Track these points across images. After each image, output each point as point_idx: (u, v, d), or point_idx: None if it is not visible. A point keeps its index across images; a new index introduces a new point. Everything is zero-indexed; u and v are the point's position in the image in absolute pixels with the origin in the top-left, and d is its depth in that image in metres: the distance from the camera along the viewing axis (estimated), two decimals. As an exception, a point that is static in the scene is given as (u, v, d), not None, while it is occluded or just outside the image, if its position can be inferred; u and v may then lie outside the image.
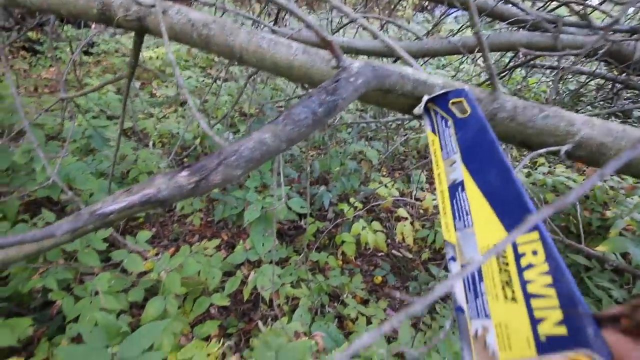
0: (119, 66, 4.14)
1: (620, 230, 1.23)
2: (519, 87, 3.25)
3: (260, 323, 1.34)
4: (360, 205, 1.77)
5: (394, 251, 1.96)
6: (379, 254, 1.99)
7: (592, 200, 1.86)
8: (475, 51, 1.20)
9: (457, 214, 0.39)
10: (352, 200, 1.76)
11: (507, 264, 0.30)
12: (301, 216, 1.94)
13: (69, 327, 1.13)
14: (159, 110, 3.14)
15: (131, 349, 0.82)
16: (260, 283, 1.36)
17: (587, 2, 1.31)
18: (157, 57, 3.94)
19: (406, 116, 1.27)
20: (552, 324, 0.25)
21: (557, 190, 2.08)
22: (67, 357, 0.76)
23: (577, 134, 0.51)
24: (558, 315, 0.25)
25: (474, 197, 0.37)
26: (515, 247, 0.30)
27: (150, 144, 2.24)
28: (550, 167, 2.20)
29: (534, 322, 0.26)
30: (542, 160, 2.26)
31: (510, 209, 0.33)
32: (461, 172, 0.40)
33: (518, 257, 0.30)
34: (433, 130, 0.46)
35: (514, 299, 0.28)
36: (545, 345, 0.24)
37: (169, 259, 1.31)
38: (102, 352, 0.79)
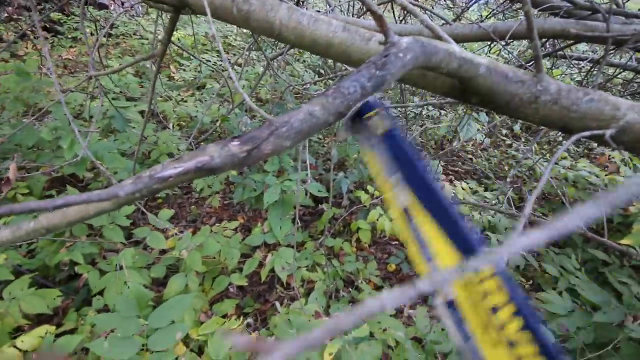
0: (138, 49, 4.17)
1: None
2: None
3: (277, 304, 1.37)
4: (377, 193, 1.77)
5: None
6: (393, 243, 1.99)
7: (615, 196, 1.82)
8: (507, 37, 1.17)
9: (420, 244, 0.34)
10: (369, 188, 1.76)
11: (476, 306, 0.28)
12: (317, 202, 1.96)
13: (96, 299, 1.18)
14: (177, 94, 3.17)
15: (159, 320, 0.85)
16: (277, 265, 1.39)
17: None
18: (178, 40, 3.94)
19: (437, 99, 1.25)
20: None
21: (577, 185, 2.04)
22: (101, 324, 0.80)
23: (622, 118, 0.50)
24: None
25: (425, 222, 0.33)
26: (479, 283, 0.28)
27: (170, 126, 2.27)
28: (572, 161, 2.15)
29: None
30: (564, 154, 2.21)
31: (457, 233, 0.30)
32: (406, 195, 0.35)
33: (484, 296, 0.28)
34: (369, 148, 0.40)
35: (497, 345, 0.27)
36: None
37: (191, 238, 1.35)
38: (133, 321, 0.82)
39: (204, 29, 4.50)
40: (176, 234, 1.45)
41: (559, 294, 1.10)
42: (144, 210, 1.11)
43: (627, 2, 1.51)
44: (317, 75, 3.45)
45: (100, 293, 1.20)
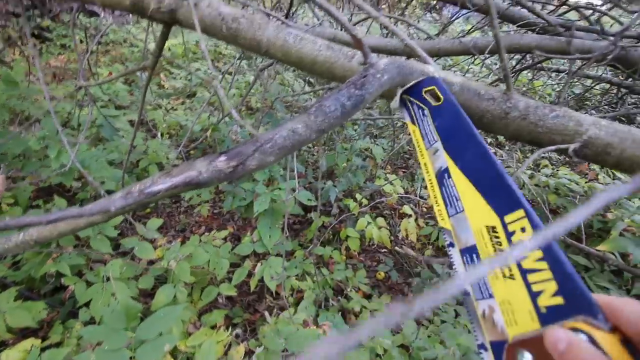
0: (127, 56, 4.16)
1: (621, 231, 1.26)
2: (525, 89, 3.27)
3: (266, 313, 1.37)
4: (365, 201, 1.80)
5: (397, 248, 1.99)
6: (382, 250, 2.02)
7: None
8: (486, 52, 1.22)
9: (447, 201, 0.39)
10: (357, 196, 1.79)
11: (500, 244, 0.32)
12: (307, 211, 1.97)
13: (82, 311, 1.17)
14: (167, 102, 3.17)
15: (147, 332, 0.85)
16: (267, 275, 1.39)
17: (596, 7, 1.34)
18: (168, 49, 3.95)
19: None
20: (550, 295, 0.26)
21: (559, 192, 2.11)
22: (88, 337, 0.79)
23: (585, 133, 0.54)
24: (553, 286, 0.26)
25: (460, 182, 0.38)
26: (505, 226, 0.31)
27: (159, 135, 2.26)
28: (553, 169, 2.23)
29: (533, 295, 0.27)
30: (545, 162, 2.29)
31: (494, 189, 0.34)
32: (444, 159, 0.40)
33: (509, 235, 0.31)
34: (412, 121, 0.46)
35: (511, 276, 0.29)
36: (546, 316, 0.26)
37: (179, 248, 1.35)
38: (120, 333, 0.82)
39: (194, 38, 4.52)
40: (165, 244, 1.44)
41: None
42: (132, 221, 1.11)
43: (603, 16, 1.59)
44: (307, 85, 3.49)
45: (87, 305, 1.18)
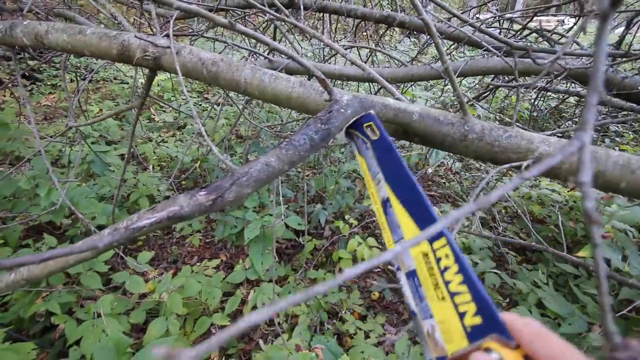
0: (118, 93, 4.26)
1: (601, 235, 1.30)
2: (502, 104, 3.42)
3: (261, 342, 1.36)
4: (355, 222, 1.83)
5: (389, 267, 2.00)
6: (376, 270, 2.02)
7: (576, 211, 1.95)
8: (455, 75, 1.31)
9: (392, 228, 0.42)
10: (347, 217, 1.82)
11: (432, 269, 0.35)
12: (298, 235, 1.99)
13: (72, 350, 1.15)
14: (158, 135, 3.22)
15: (138, 366, 0.85)
16: (260, 302, 1.39)
17: (553, 30, 1.45)
18: (157, 84, 4.06)
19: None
20: (471, 316, 0.29)
21: (543, 202, 2.17)
22: (77, 374, 0.79)
23: (536, 150, 0.60)
24: (473, 307, 0.29)
25: (399, 210, 0.41)
26: (434, 252, 0.35)
27: (150, 167, 2.30)
28: (535, 180, 2.30)
29: (460, 316, 0.30)
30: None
31: (424, 218, 0.38)
32: (385, 190, 0.43)
33: (438, 260, 0.34)
34: (359, 153, 0.49)
35: (443, 298, 0.33)
36: (472, 334, 0.29)
37: (171, 280, 1.35)
38: (110, 369, 0.82)
39: (184, 72, 4.69)
40: (156, 277, 1.44)
41: (529, 310, 1.15)
42: (123, 255, 1.12)
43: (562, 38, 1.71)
44: (296, 113, 3.60)
45: (77, 343, 1.16)
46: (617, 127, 3.12)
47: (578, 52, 1.14)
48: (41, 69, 4.58)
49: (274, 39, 2.02)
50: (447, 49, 1.97)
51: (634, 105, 1.45)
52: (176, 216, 0.41)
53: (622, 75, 1.23)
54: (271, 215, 1.62)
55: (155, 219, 0.40)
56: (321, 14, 2.21)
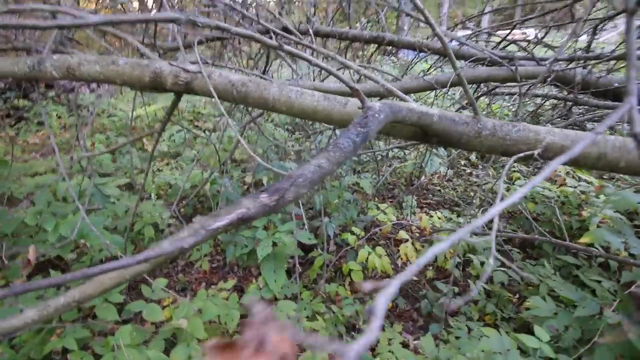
0: (108, 126, 4.25)
1: (597, 224, 1.38)
2: (484, 113, 3.61)
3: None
4: (362, 233, 1.86)
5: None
6: (384, 280, 2.04)
7: (568, 205, 2.05)
8: (448, 86, 1.41)
9: None
10: (355, 229, 1.86)
11: None
12: (306, 252, 2.00)
13: (93, 386, 1.11)
14: (153, 164, 3.22)
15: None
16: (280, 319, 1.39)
17: (531, 39, 1.60)
18: (155, 114, 4.10)
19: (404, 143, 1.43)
20: None
21: (536, 200, 2.27)
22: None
23: (543, 140, 0.67)
24: None
25: None
26: None
27: (153, 196, 2.29)
28: (526, 180, 2.41)
29: None
30: (517, 174, 2.48)
31: None
32: None
33: None
34: None
35: None
36: None
37: (188, 305, 1.33)
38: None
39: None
40: (171, 304, 1.42)
41: (543, 298, 1.20)
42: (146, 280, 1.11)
43: (537, 45, 1.87)
44: (287, 133, 3.69)
45: (96, 379, 1.13)
46: (594, 124, 3.32)
47: (565, 57, 1.26)
48: (26, 107, 4.55)
49: (267, 62, 2.12)
50: (433, 64, 2.11)
51: (609, 102, 1.58)
52: (245, 217, 0.45)
53: (596, 75, 1.35)
54: (281, 232, 1.64)
55: (228, 221, 0.44)
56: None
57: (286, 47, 0.63)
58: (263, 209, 0.46)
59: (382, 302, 0.18)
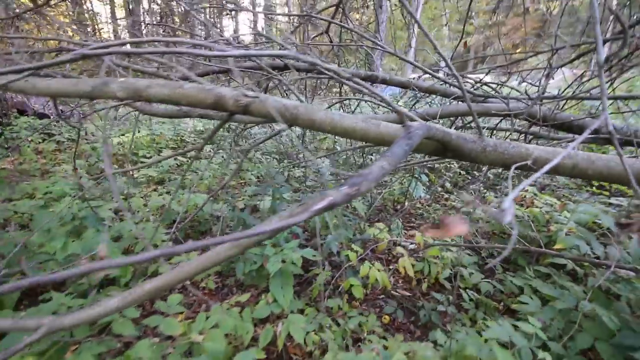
0: (88, 152, 4.17)
1: (565, 234, 1.62)
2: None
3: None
4: (361, 251, 1.99)
5: (393, 292, 2.15)
6: (381, 297, 2.15)
7: (536, 223, 2.33)
8: (437, 118, 1.65)
9: None
10: (353, 246, 1.98)
11: None
12: (308, 270, 2.08)
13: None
14: (140, 190, 3.19)
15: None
16: (293, 330, 1.45)
17: (498, 83, 1.92)
18: (128, 141, 4.09)
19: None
20: None
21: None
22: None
23: (532, 154, 0.87)
24: None
25: None
26: None
27: (151, 218, 2.29)
28: (498, 204, 2.71)
29: None
30: (490, 197, 2.78)
31: None
32: None
33: None
34: None
35: None
36: None
37: (205, 319, 1.37)
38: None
39: (159, 130, 4.75)
40: (184, 320, 1.44)
41: (530, 297, 1.38)
42: (190, 287, 1.15)
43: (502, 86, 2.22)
44: (277, 159, 3.83)
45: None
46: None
47: (550, 96, 1.55)
48: (-1, 133, 4.36)
49: (266, 90, 2.30)
50: (418, 98, 2.40)
51: (566, 134, 1.90)
52: (334, 203, 0.58)
53: (556, 111, 1.66)
54: (288, 249, 1.73)
55: (325, 204, 0.57)
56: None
57: (357, 80, 0.80)
58: (346, 197, 0.60)
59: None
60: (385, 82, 2.00)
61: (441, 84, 2.05)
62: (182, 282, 0.69)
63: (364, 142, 0.98)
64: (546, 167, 0.68)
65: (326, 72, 0.86)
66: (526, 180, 0.51)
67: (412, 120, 0.75)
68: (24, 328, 0.68)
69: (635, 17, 2.05)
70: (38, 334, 0.68)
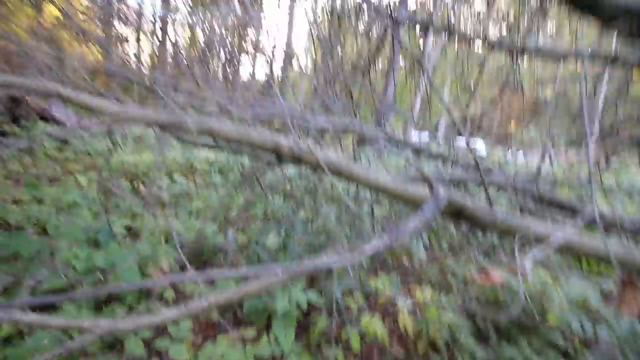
0: (100, 164, 4.30)
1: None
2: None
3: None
4: (362, 301, 2.04)
5: (389, 348, 2.15)
6: (376, 352, 2.15)
7: (531, 296, 2.41)
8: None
9: None
10: (355, 296, 2.04)
11: None
12: (307, 315, 2.11)
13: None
14: (151, 212, 3.27)
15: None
16: (293, 371, 1.47)
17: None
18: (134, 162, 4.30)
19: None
20: None
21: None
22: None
23: (534, 227, 1.02)
24: None
25: None
26: None
27: (162, 240, 2.35)
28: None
29: None
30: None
31: None
32: None
33: None
34: None
35: None
36: None
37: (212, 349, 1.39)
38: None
39: (172, 154, 4.94)
40: (191, 347, 1.46)
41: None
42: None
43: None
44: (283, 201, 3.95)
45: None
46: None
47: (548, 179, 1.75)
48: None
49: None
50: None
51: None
52: (378, 249, 0.71)
53: (548, 190, 1.86)
54: (295, 290, 1.79)
55: (372, 251, 0.70)
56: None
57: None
58: (387, 245, 0.73)
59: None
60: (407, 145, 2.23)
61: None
62: (240, 300, 0.78)
63: (390, 197, 1.12)
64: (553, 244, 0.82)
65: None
66: (536, 251, 0.65)
67: (436, 186, 0.91)
68: (81, 328, 0.77)
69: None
70: (93, 334, 0.77)
